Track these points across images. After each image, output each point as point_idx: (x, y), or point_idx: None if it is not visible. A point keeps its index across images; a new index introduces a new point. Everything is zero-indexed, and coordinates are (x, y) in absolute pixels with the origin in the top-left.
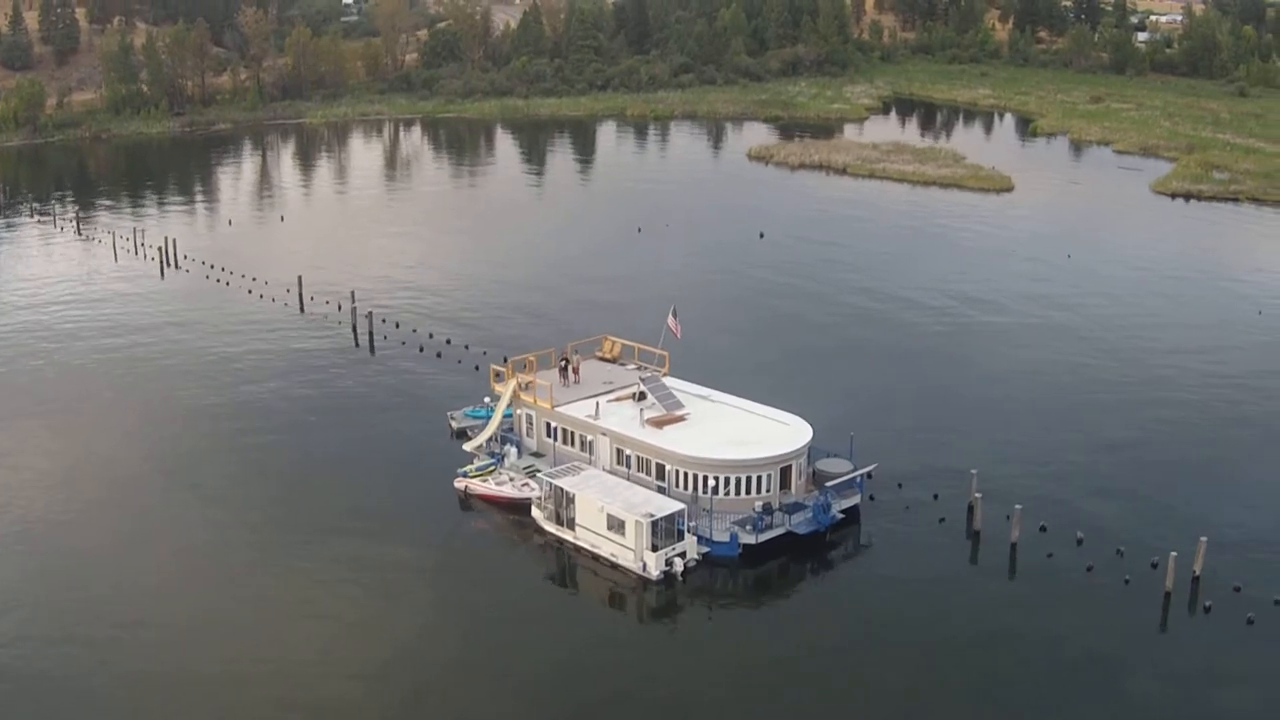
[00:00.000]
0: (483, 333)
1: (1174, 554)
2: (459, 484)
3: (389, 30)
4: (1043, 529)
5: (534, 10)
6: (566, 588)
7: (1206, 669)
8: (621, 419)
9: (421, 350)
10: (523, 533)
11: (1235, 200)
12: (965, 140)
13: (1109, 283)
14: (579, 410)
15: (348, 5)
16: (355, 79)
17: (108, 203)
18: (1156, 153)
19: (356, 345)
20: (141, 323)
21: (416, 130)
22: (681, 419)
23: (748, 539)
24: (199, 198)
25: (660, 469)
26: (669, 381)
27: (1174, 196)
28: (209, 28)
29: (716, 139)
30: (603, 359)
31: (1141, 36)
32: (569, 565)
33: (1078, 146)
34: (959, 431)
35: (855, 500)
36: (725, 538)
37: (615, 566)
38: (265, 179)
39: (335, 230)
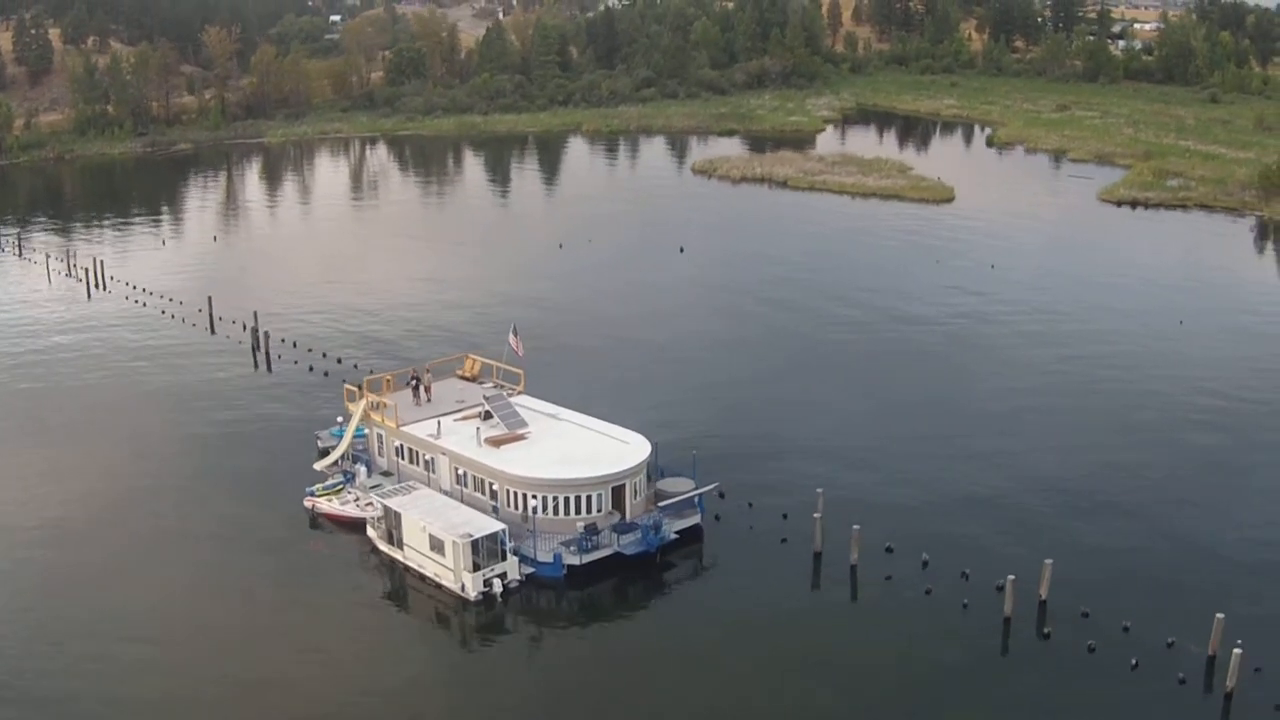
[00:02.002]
0: (381, 350)
1: (1011, 577)
2: (307, 503)
3: (355, 49)
4: (889, 549)
5: (497, 27)
6: (394, 607)
7: (1041, 698)
8: (461, 438)
9: (311, 369)
10: (361, 552)
11: (1184, 207)
12: (920, 151)
13: (1027, 292)
14: (422, 430)
15: (334, 22)
16: (321, 98)
17: (54, 224)
18: (1112, 160)
19: (255, 365)
20: (54, 341)
21: (372, 149)
22: (521, 438)
23: (572, 560)
24: (142, 219)
25: (494, 489)
26: (523, 400)
27: (1120, 204)
28: (176, 48)
29: (667, 153)
30: (463, 377)
31: (1120, 44)
32: (399, 585)
33: (1033, 155)
34: (820, 449)
35: (695, 520)
36: (549, 558)
37: (440, 587)
38: (210, 199)
39: (263, 250)
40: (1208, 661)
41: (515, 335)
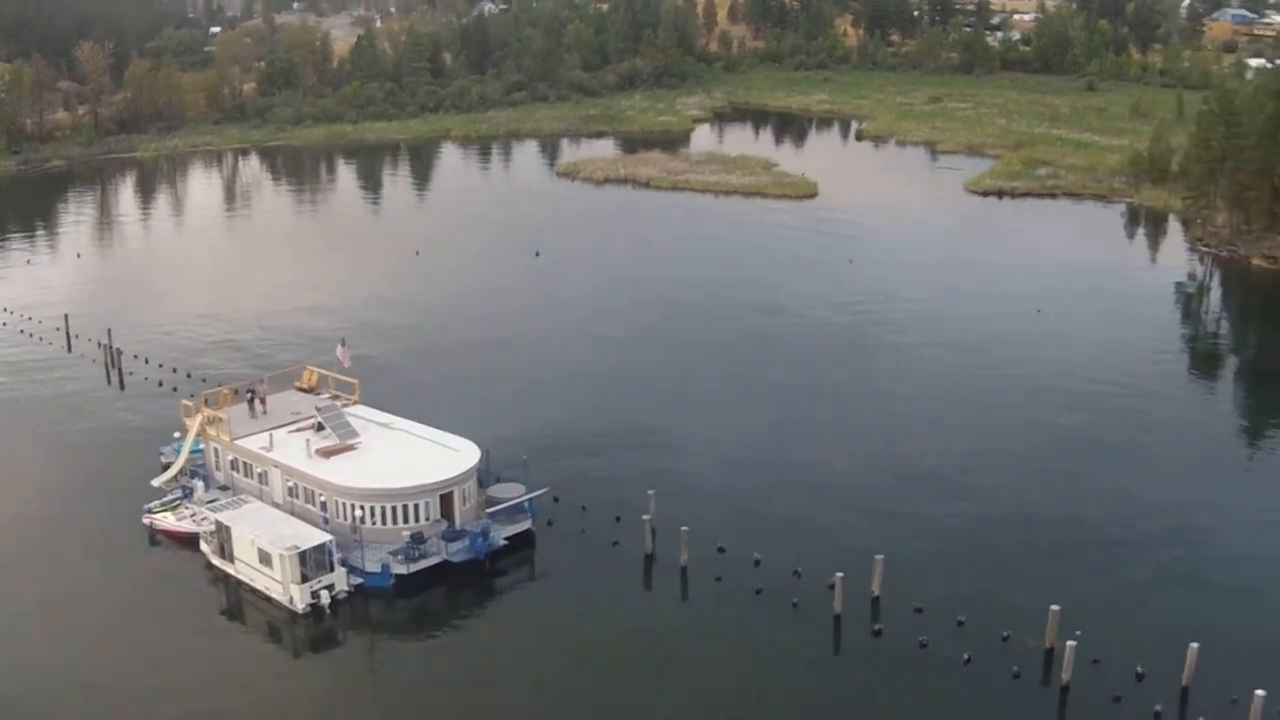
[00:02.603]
0: (236, 363)
1: (840, 574)
2: (146, 519)
3: (228, 61)
4: (721, 550)
5: (369, 35)
6: (227, 621)
7: (873, 697)
8: (292, 451)
9: (161, 384)
10: (196, 567)
11: (1052, 196)
12: (789, 147)
13: (882, 284)
14: (255, 443)
15: (214, 34)
16: (194, 111)
17: None
18: (982, 151)
19: (109, 381)
20: None
21: (243, 161)
22: (351, 449)
23: (400, 569)
24: (9, 237)
25: (324, 500)
26: (357, 410)
27: (986, 195)
28: (51, 64)
29: (534, 157)
30: (301, 389)
31: (998, 35)
32: (232, 599)
33: (904, 149)
34: (657, 450)
35: (526, 525)
36: (377, 568)
37: (270, 600)
38: (80, 216)
39: (129, 265)
40: (1045, 654)
41: (343, 347)
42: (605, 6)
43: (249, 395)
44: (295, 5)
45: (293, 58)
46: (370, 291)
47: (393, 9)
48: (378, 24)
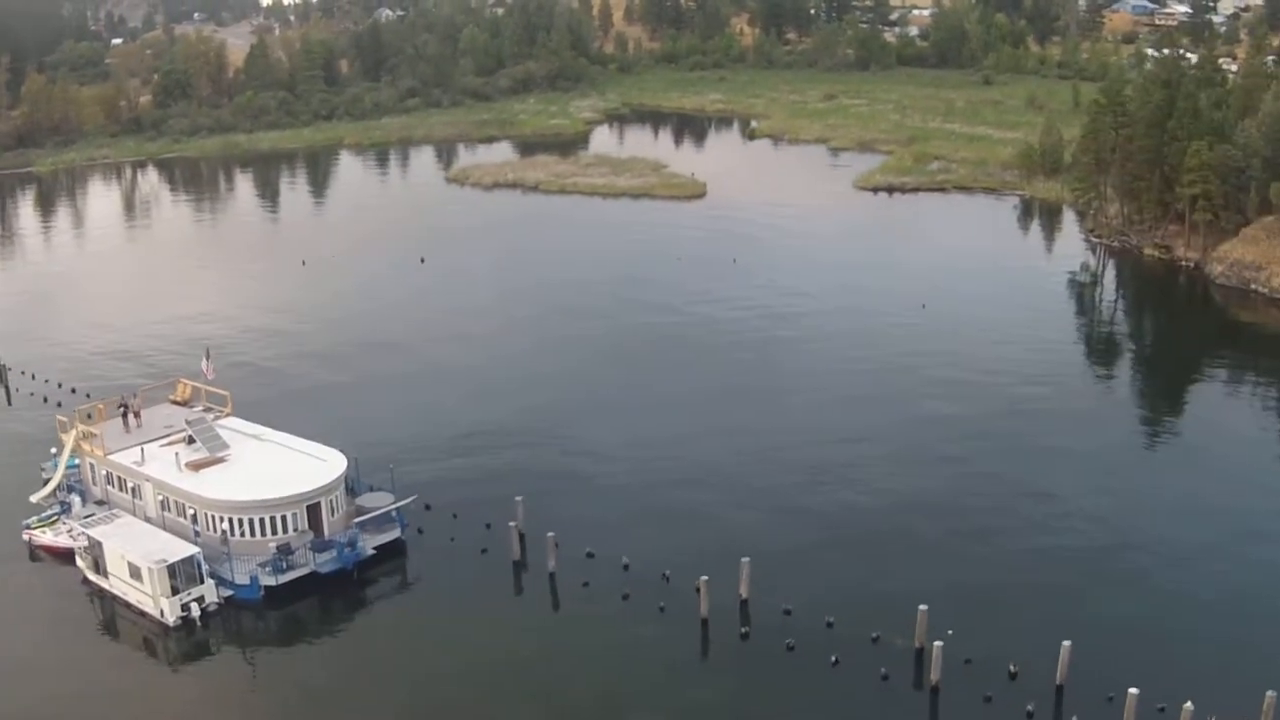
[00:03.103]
0: (121, 377)
1: (705, 578)
2: (25, 535)
3: (124, 73)
4: (590, 555)
5: (262, 44)
6: (102, 635)
7: (740, 701)
8: (163, 464)
9: (46, 400)
10: (73, 582)
11: (943, 190)
12: (679, 148)
13: (764, 282)
14: (128, 457)
15: (116, 45)
16: (92, 124)
17: None
18: (874, 147)
19: None
20: None
21: (141, 173)
22: (220, 461)
23: (268, 581)
24: None
25: (194, 513)
26: (229, 422)
27: (876, 191)
28: None
29: (425, 164)
30: (175, 402)
31: (895, 31)
32: (107, 614)
33: (796, 147)
34: (529, 457)
35: (395, 534)
36: (246, 580)
37: (143, 614)
38: None
39: (20, 280)
40: (915, 655)
41: (207, 360)
42: (500, 11)
43: (122, 409)
44: (196, 16)
45: (188, 69)
46: (256, 301)
47: (292, 18)
48: (276, 33)
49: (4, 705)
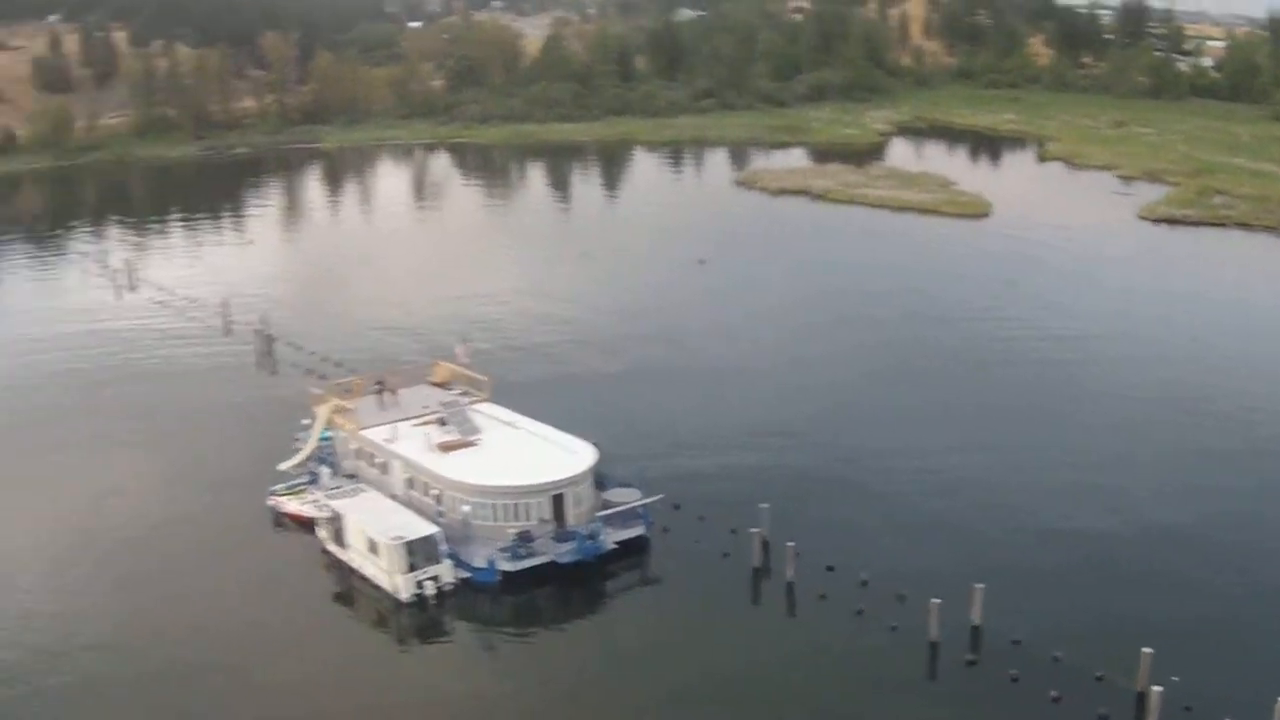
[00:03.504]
0: (385, 355)
1: (938, 600)
2: (270, 502)
3: (416, 57)
4: (830, 569)
5: (558, 36)
6: (336, 606)
7: None
8: (413, 443)
9: (310, 372)
10: (314, 552)
11: (1222, 226)
12: (969, 165)
13: (1040, 307)
14: (379, 434)
15: (414, 29)
16: (381, 105)
17: (100, 225)
18: (1161, 178)
19: (260, 367)
20: (73, 337)
21: (425, 156)
22: (470, 444)
23: (506, 566)
24: (186, 221)
25: (439, 494)
26: (484, 408)
27: (1158, 221)
28: (234, 52)
29: (715, 165)
30: (434, 384)
31: (1189, 61)
32: (344, 585)
33: (1083, 171)
34: (785, 465)
35: (639, 531)
36: (483, 564)
37: (377, 588)
38: (261, 202)
39: (301, 252)
40: (1136, 698)
41: (464, 344)
42: (799, 17)
43: (378, 387)
44: (495, 4)
45: (482, 55)
46: (533, 289)
47: (591, 11)
48: (578, 24)
49: (235, 670)
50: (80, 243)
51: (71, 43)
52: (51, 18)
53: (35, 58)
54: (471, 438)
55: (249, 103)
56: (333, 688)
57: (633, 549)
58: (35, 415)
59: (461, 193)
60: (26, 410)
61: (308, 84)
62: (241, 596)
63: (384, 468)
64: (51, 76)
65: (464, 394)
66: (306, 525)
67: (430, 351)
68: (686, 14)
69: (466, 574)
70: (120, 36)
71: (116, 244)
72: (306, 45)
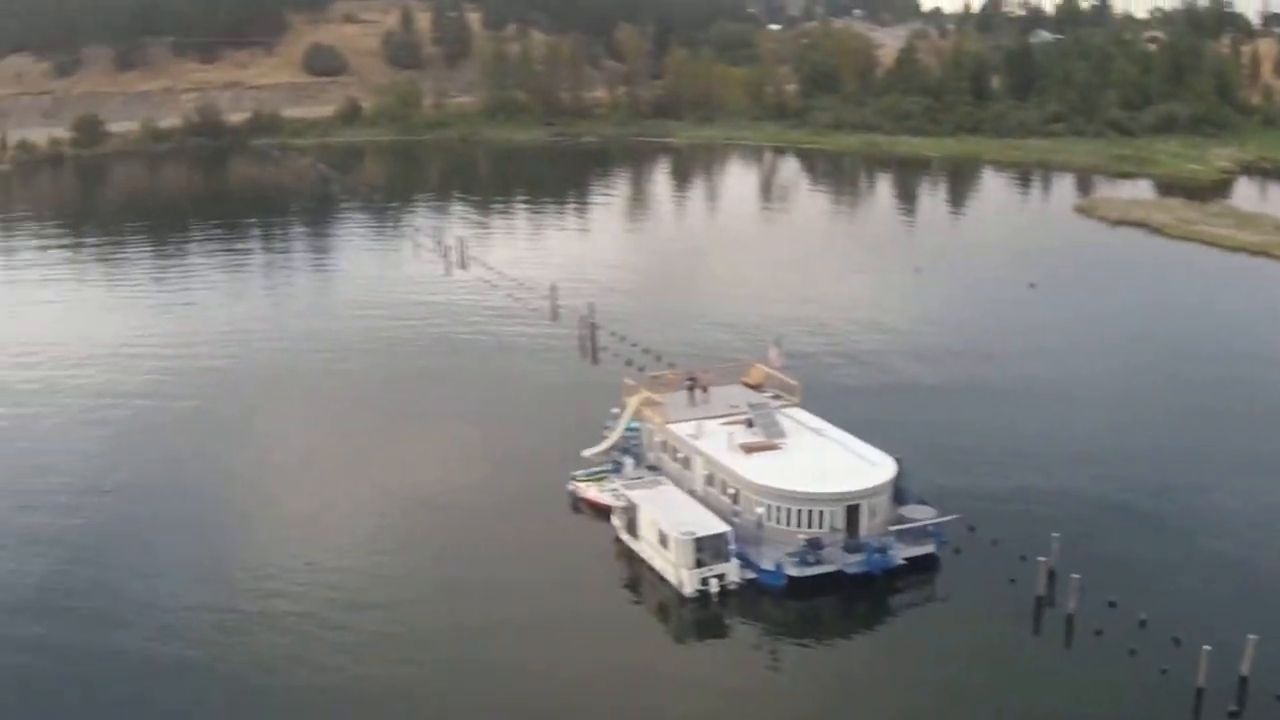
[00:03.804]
0: (705, 355)
1: (1207, 648)
2: (570, 486)
3: (771, 59)
4: (1112, 604)
5: (912, 48)
6: (619, 595)
7: None
8: (717, 441)
9: (629, 363)
10: (607, 540)
11: None
12: None
13: None
14: (684, 429)
15: (773, 31)
16: (734, 104)
17: (439, 199)
18: None
19: (583, 354)
20: (403, 311)
21: (775, 159)
22: (773, 447)
23: (793, 571)
24: (527, 203)
25: (735, 493)
26: (794, 412)
27: None
28: (588, 41)
29: (1058, 189)
30: (746, 384)
31: None
32: (632, 575)
33: None
34: (1093, 498)
35: (930, 549)
36: (771, 567)
37: (663, 580)
38: (603, 192)
39: (632, 245)
40: None
41: (777, 347)
42: (1153, 47)
43: (689, 383)
44: (856, 12)
45: (836, 62)
46: (860, 298)
47: (950, 26)
48: (931, 39)
49: (519, 650)
50: (417, 216)
51: (423, 20)
52: None
53: (386, 32)
54: (775, 441)
55: (600, 93)
56: (603, 672)
57: (922, 566)
58: (355, 378)
59: (807, 198)
60: (346, 373)
61: (661, 78)
62: (529, 573)
63: (686, 463)
64: (401, 52)
65: (775, 397)
66: (603, 512)
67: (752, 352)
68: (1044, 36)
69: (753, 575)
70: (474, 18)
71: (453, 221)
72: (661, 39)
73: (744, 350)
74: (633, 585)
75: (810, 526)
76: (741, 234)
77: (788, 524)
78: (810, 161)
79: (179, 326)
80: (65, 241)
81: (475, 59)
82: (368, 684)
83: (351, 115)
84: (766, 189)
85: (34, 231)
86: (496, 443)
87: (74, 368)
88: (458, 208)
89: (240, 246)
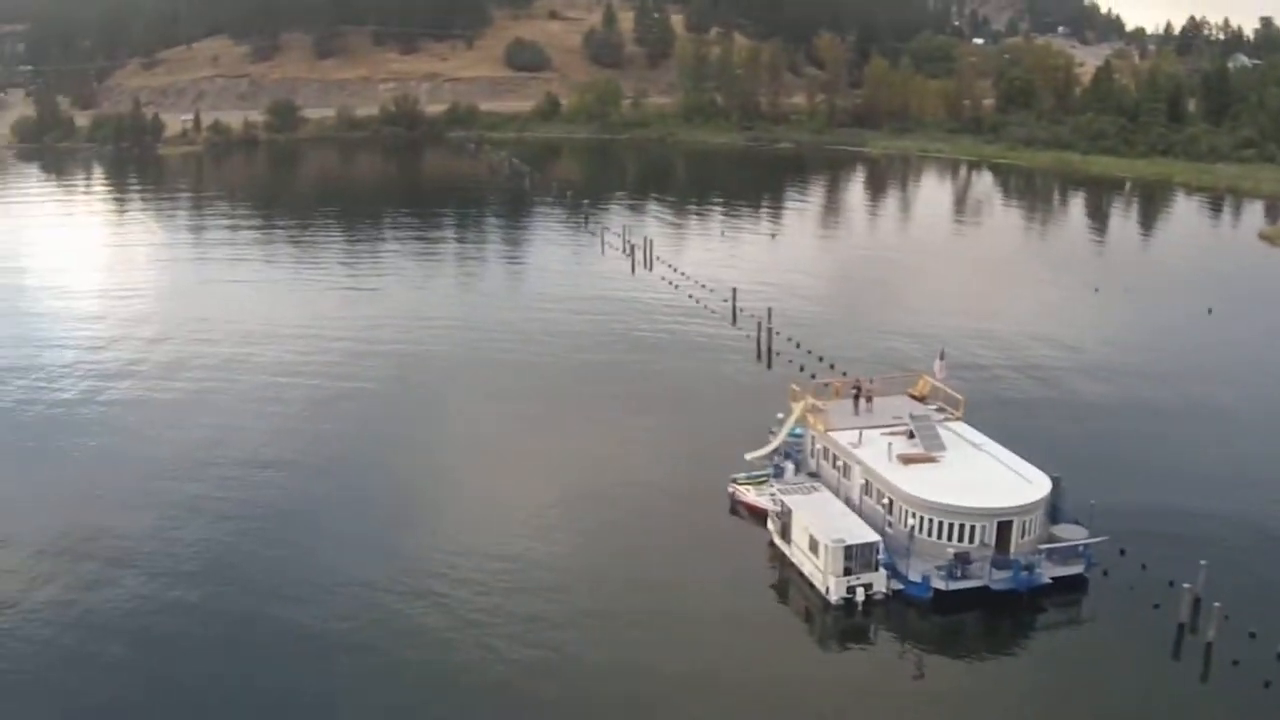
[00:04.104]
0: (876, 365)
1: None
2: (729, 489)
3: (971, 73)
4: (1252, 635)
5: (1108, 67)
6: (768, 598)
7: None
8: (876, 451)
9: (802, 369)
10: (761, 543)
11: None
12: None
13: None
14: (845, 438)
15: (978, 46)
16: (931, 116)
17: (632, 198)
18: None
19: (759, 358)
20: (587, 304)
21: (969, 174)
22: (931, 460)
23: (939, 584)
24: (718, 207)
25: (889, 503)
26: (956, 426)
27: None
28: (790, 48)
29: (1247, 216)
30: (913, 396)
31: None
32: (782, 579)
33: None
34: (1250, 526)
35: (1078, 570)
36: (918, 579)
37: (811, 586)
38: (793, 198)
39: (819, 252)
40: None
41: (941, 360)
42: None
43: (855, 391)
44: (1060, 30)
45: (1034, 79)
46: (1036, 316)
47: (1151, 47)
48: (1136, 60)
49: (658, 646)
50: (608, 214)
51: (626, 19)
52: None
53: (589, 30)
54: (934, 453)
55: (798, 99)
56: (740, 670)
57: (1069, 586)
58: (532, 369)
59: (998, 213)
60: (523, 363)
61: (860, 87)
62: (681, 569)
63: (844, 470)
64: (603, 50)
65: (939, 410)
66: (759, 516)
67: (925, 364)
68: (1242, 61)
69: (899, 586)
70: (677, 20)
71: (642, 220)
72: (862, 48)
73: (917, 361)
74: (782, 589)
75: (961, 541)
76: (929, 246)
77: (938, 537)
78: (1003, 177)
79: (367, 309)
80: (256, 223)
81: (675, 60)
82: (517, 667)
83: (550, 111)
84: (959, 202)
85: (225, 211)
86: (663, 440)
87: (257, 345)
88: (649, 207)
89: (430, 235)
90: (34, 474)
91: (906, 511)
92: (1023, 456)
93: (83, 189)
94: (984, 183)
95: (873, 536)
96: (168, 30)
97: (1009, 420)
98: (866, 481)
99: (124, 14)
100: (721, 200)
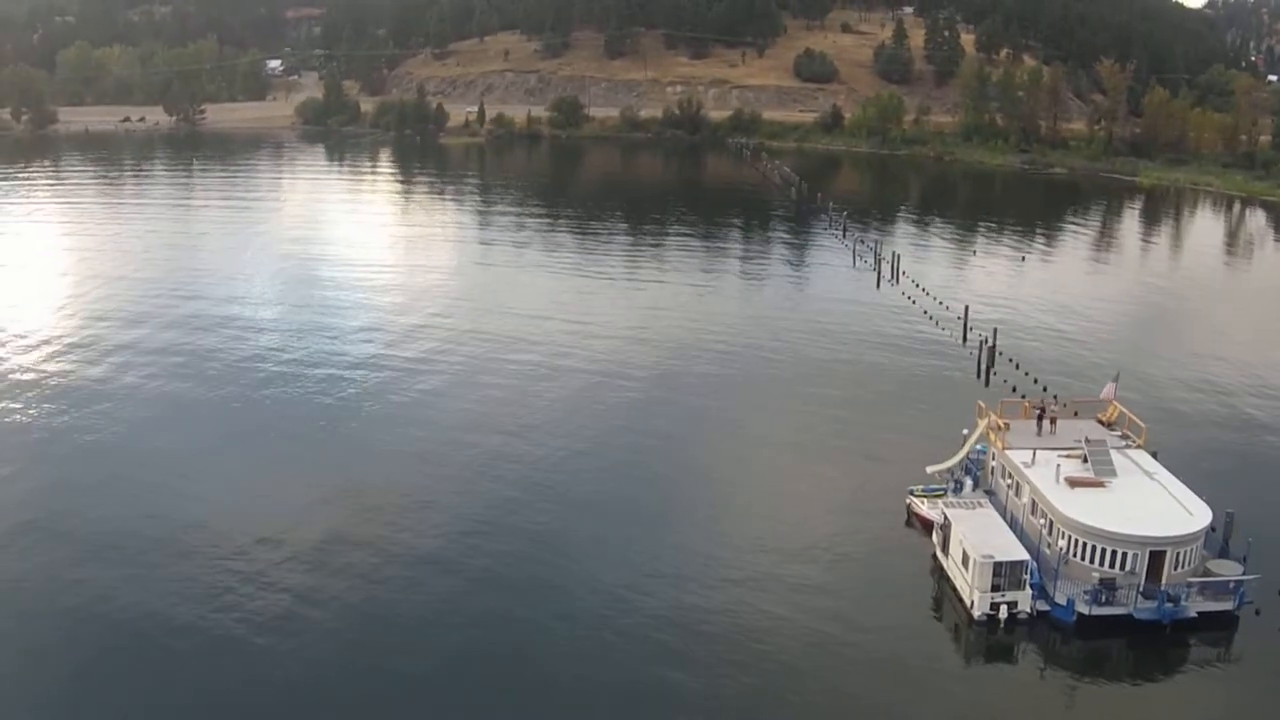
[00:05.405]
0: (1092, 386)
1: None
2: (906, 500)
3: (1248, 107)
4: None
5: None
6: (920, 608)
7: None
8: (1046, 472)
9: (1015, 389)
10: (926, 556)
11: None
12: None
13: None
14: (1020, 457)
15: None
16: (1208, 149)
17: (879, 213)
18: None
19: (978, 375)
20: (822, 313)
21: (1239, 210)
22: (1099, 484)
23: (1083, 608)
24: (982, 228)
25: (1049, 524)
26: (1135, 454)
27: None
28: (1074, 72)
29: None
30: (1100, 421)
31: None
32: (937, 591)
33: None
34: None
35: (1228, 606)
36: (1063, 601)
37: (960, 600)
38: (1058, 224)
39: (1066, 280)
40: None
41: (1113, 383)
42: None
43: (1039, 412)
44: None
45: None
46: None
47: None
48: None
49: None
50: (869, 230)
51: (917, 36)
52: (906, 9)
53: (880, 45)
54: (1103, 478)
55: (1077, 125)
56: (869, 675)
57: (1217, 623)
58: (759, 366)
59: (1269, 253)
60: (743, 355)
61: (1140, 115)
62: (843, 576)
63: (1016, 489)
64: (891, 66)
65: (1122, 436)
66: (929, 528)
67: (1138, 397)
68: None
69: (1045, 607)
70: (967, 39)
71: (899, 237)
72: (1144, 77)
73: (1129, 392)
74: (936, 602)
75: (1111, 567)
76: (1187, 283)
77: (1089, 561)
78: (1276, 215)
79: (645, 300)
80: (539, 215)
81: (958, 79)
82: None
83: (832, 124)
84: (1230, 239)
85: (513, 201)
86: (860, 442)
87: (522, 339)
88: (906, 224)
89: (698, 238)
90: (370, 435)
91: (1060, 533)
92: (1197, 489)
93: (369, 171)
94: (1257, 221)
95: (1022, 555)
96: (461, 23)
97: (1201, 452)
98: (1033, 501)
99: (420, 4)
100: (990, 222)
